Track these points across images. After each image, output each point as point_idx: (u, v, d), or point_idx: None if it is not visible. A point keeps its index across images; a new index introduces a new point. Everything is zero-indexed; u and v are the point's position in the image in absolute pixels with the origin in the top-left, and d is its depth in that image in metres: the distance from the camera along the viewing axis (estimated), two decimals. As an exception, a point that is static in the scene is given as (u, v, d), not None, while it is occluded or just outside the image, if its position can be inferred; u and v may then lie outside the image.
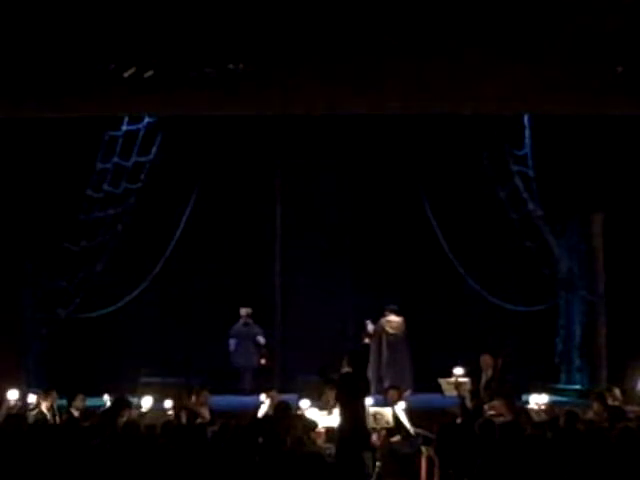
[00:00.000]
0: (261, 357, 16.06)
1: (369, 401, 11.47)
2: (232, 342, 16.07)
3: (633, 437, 7.84)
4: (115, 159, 14.70)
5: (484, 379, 13.47)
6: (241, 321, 16.14)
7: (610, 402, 11.21)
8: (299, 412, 11.01)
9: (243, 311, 16.10)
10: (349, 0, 11.13)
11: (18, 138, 14.15)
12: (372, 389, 14.69)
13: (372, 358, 15.55)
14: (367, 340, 15.54)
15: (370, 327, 15.57)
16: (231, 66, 11.15)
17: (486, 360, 13.64)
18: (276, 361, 16.30)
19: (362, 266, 16.46)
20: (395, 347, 15.54)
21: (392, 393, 12.01)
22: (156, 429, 9.12)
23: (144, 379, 14.33)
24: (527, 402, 11.63)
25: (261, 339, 16.04)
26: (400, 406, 11.47)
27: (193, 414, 11.20)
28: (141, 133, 14.72)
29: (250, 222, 16.37)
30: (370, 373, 15.39)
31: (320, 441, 10.31)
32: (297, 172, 16.22)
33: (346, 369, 10.62)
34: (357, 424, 10.30)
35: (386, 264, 16.29)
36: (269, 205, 16.44)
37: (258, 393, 12.31)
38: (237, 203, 16.28)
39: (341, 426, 10.35)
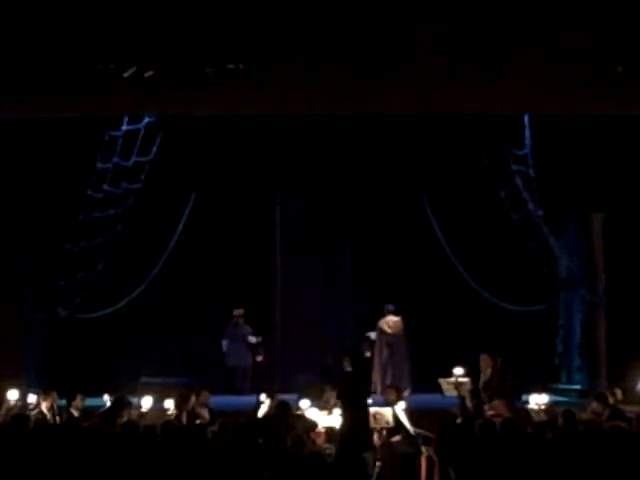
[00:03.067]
0: (256, 355, 16.09)
1: (369, 401, 11.49)
2: (224, 343, 16.12)
3: (622, 436, 7.85)
4: (115, 159, 14.69)
5: (482, 379, 13.49)
6: (232, 321, 16.18)
7: (611, 402, 11.21)
8: (299, 412, 11.02)
9: (235, 312, 16.15)
10: (349, 1, 11.13)
11: (18, 138, 14.15)
12: (378, 390, 14.75)
13: (376, 360, 15.59)
14: (369, 354, 15.57)
15: (373, 336, 15.62)
16: (231, 66, 11.13)
17: (485, 360, 13.66)
18: (276, 361, 16.30)
19: (362, 266, 16.47)
20: (393, 347, 15.55)
21: (390, 392, 12.01)
22: (156, 429, 9.13)
23: (144, 379, 14.33)
24: (527, 402, 11.63)
25: (252, 338, 16.06)
26: (400, 406, 11.46)
27: (193, 414, 11.20)
28: (141, 133, 14.72)
29: (250, 222, 16.36)
30: (376, 375, 15.45)
31: (320, 441, 10.31)
32: (297, 173, 16.22)
33: (348, 369, 10.64)
34: (359, 424, 10.29)
35: (386, 264, 16.29)
36: (269, 205, 16.44)
37: (254, 393, 12.31)
38: (237, 203, 16.27)
39: (342, 426, 10.36)
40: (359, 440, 10.13)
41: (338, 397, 10.79)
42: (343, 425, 10.40)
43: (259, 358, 16.08)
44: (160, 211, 15.67)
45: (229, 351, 16.09)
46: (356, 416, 10.32)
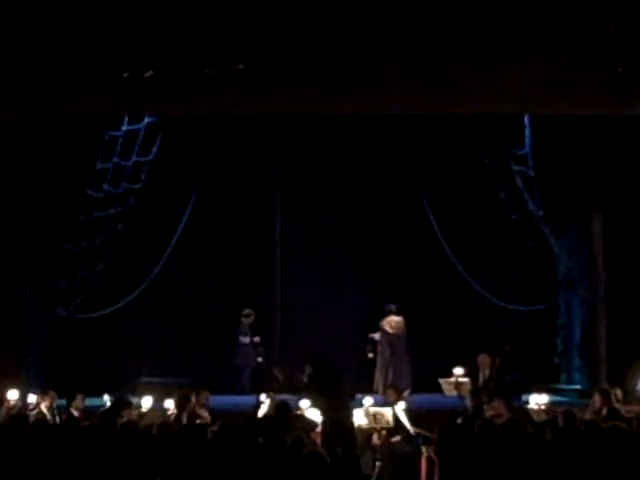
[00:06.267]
0: (256, 356, 16.11)
1: (369, 401, 11.50)
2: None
3: (622, 436, 7.84)
4: (115, 159, 14.68)
5: (482, 378, 13.51)
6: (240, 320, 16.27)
7: (612, 401, 11.21)
8: (299, 412, 11.01)
9: (243, 311, 16.20)
10: (349, 0, 11.13)
11: (18, 138, 14.15)
12: (380, 390, 14.76)
13: (378, 360, 15.60)
14: (371, 355, 15.58)
15: (377, 337, 15.63)
16: (231, 66, 11.14)
17: (483, 359, 13.69)
18: (276, 361, 16.29)
19: (362, 266, 16.47)
20: (395, 346, 15.56)
21: (390, 392, 12.01)
22: (155, 429, 9.13)
23: (144, 379, 14.34)
24: (527, 402, 11.63)
25: (242, 339, 16.06)
26: (400, 406, 11.47)
27: (193, 414, 11.20)
28: (141, 133, 14.70)
29: (250, 222, 16.36)
30: (377, 375, 15.47)
31: (320, 441, 10.30)
32: (297, 172, 16.22)
33: (308, 372, 10.68)
34: (336, 420, 10.29)
35: (386, 264, 16.29)
36: (269, 205, 16.44)
37: (254, 393, 12.32)
38: (237, 203, 16.27)
39: (323, 426, 10.36)
40: (340, 436, 10.10)
41: (312, 402, 10.81)
42: (322, 426, 10.39)
43: (259, 359, 16.09)
44: (160, 211, 15.66)
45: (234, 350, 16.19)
46: (331, 414, 10.31)
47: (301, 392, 11.55)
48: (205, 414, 11.39)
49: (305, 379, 11.60)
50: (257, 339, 16.15)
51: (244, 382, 15.89)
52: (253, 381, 15.83)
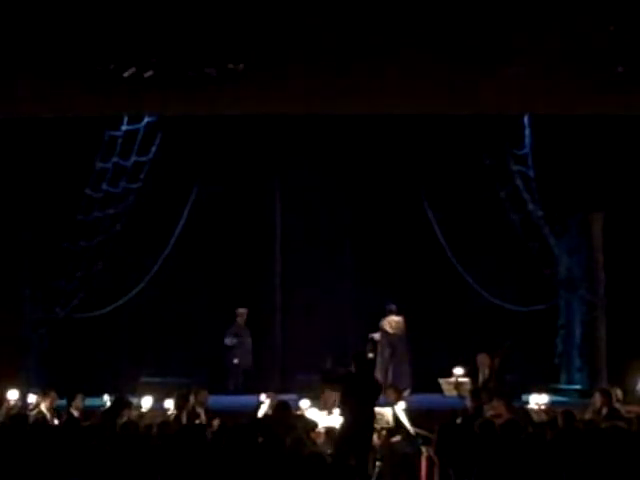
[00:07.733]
0: (233, 357, 16.12)
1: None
2: None
3: (621, 436, 7.84)
4: (115, 159, 14.68)
5: (481, 378, 13.50)
6: None
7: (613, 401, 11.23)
8: (299, 412, 11.02)
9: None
10: (349, 1, 11.13)
11: (18, 138, 14.15)
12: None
13: (378, 360, 15.59)
14: (371, 355, 15.57)
15: (377, 337, 15.62)
16: (231, 66, 11.14)
17: (483, 359, 13.69)
18: (276, 361, 16.30)
19: (362, 266, 16.47)
20: (395, 346, 15.55)
21: (390, 392, 12.00)
22: (155, 429, 9.13)
23: (144, 379, 14.34)
24: (527, 402, 11.63)
25: (225, 340, 16.06)
26: (400, 406, 11.46)
27: (194, 414, 11.20)
28: (141, 133, 14.71)
29: (250, 221, 16.36)
30: (378, 375, 15.46)
31: (320, 441, 10.31)
32: (297, 171, 16.22)
33: (352, 368, 10.69)
34: (359, 426, 10.28)
35: (386, 264, 16.30)
36: (269, 204, 16.44)
37: (245, 393, 12.29)
38: (237, 202, 16.27)
39: (342, 426, 10.35)
40: (357, 442, 10.10)
41: (340, 398, 10.77)
42: (342, 426, 10.39)
43: (235, 361, 16.05)
44: (159, 211, 15.66)
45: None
46: (356, 417, 10.31)
47: (335, 384, 11.48)
48: (202, 414, 11.39)
49: (342, 371, 11.59)
50: (235, 341, 16.08)
51: (231, 382, 15.89)
52: (246, 381, 15.83)
